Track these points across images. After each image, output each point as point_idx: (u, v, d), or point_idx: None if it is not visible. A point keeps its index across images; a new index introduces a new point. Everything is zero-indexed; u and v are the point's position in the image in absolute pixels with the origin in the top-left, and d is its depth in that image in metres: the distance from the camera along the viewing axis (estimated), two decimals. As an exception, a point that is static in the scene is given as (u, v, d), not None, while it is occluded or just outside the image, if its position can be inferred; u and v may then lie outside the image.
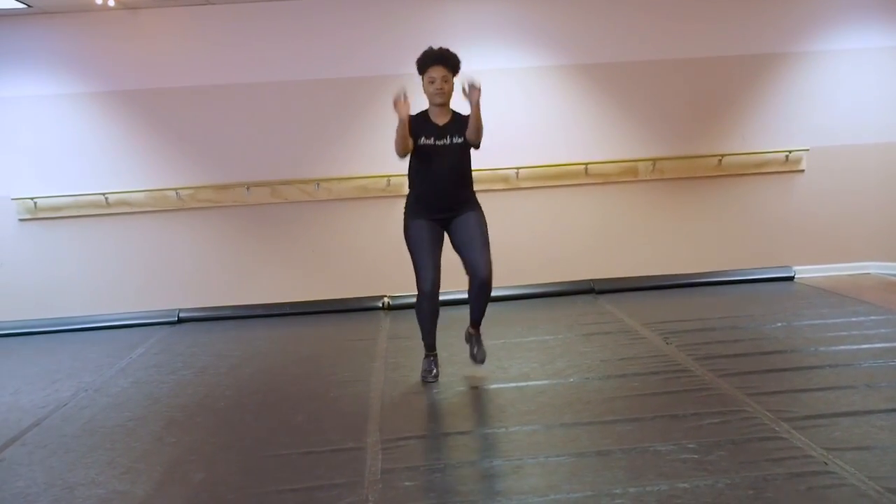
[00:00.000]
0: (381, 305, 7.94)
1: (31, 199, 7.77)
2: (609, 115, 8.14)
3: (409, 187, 5.38)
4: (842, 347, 5.59)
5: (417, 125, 5.13)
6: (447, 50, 5.12)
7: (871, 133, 8.26)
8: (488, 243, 5.23)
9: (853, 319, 6.34)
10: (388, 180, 8.02)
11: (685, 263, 8.25)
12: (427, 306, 5.31)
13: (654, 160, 8.19)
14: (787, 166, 8.26)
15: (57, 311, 7.82)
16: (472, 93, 4.93)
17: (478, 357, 5.47)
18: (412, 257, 5.28)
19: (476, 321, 5.51)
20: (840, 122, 8.23)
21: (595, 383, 5.09)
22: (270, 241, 8.08)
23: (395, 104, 4.98)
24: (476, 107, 4.94)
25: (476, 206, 5.31)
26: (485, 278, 5.19)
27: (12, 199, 7.78)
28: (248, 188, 7.94)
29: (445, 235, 5.32)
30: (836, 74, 8.20)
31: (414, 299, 5.41)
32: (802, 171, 8.29)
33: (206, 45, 7.83)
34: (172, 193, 7.90)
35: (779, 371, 5.11)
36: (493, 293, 7.72)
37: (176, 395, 5.38)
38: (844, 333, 5.94)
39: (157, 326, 7.65)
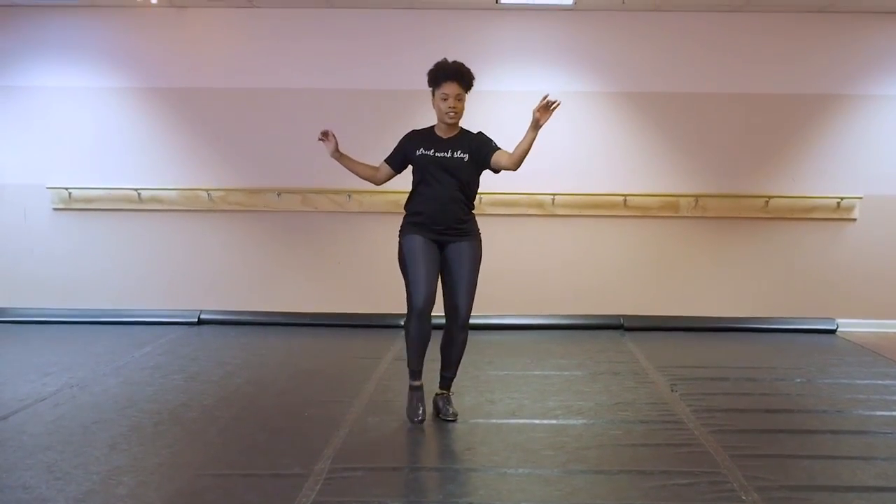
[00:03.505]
0: (401, 324, 7.76)
1: (66, 189, 7.87)
2: (652, 147, 7.86)
3: (405, 207, 5.00)
4: (855, 412, 5.25)
5: (418, 137, 4.90)
6: (462, 65, 4.76)
7: (932, 184, 7.82)
8: (475, 286, 4.90)
9: (880, 382, 5.96)
10: (421, 197, 7.86)
11: (722, 307, 7.92)
12: (417, 326, 4.87)
13: (697, 196, 7.88)
14: (839, 213, 7.86)
15: (81, 303, 7.89)
16: (544, 113, 4.52)
17: (448, 414, 4.96)
18: (404, 271, 4.86)
19: (447, 379, 5.09)
20: (898, 170, 7.82)
21: (577, 428, 4.86)
22: (297, 250, 8.02)
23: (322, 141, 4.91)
24: (536, 130, 4.56)
25: (475, 236, 4.95)
26: (462, 324, 4.90)
27: (47, 188, 7.88)
28: (279, 194, 7.90)
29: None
30: (896, 121, 7.78)
31: None
32: (854, 219, 7.87)
33: (247, 46, 7.83)
34: (204, 194, 7.90)
35: (775, 432, 4.80)
36: (516, 321, 7.76)
37: (154, 400, 5.31)
38: (863, 397, 5.57)
39: (176, 326, 7.64)
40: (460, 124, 4.89)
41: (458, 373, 5.14)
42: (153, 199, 7.92)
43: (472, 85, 4.83)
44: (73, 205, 7.92)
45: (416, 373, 5.03)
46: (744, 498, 3.83)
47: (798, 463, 4.31)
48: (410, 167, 4.97)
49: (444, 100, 4.74)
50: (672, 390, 5.69)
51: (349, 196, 7.90)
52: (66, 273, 7.95)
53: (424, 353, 5.00)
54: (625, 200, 7.90)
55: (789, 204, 7.86)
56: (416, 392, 5.01)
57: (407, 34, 7.79)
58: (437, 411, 5.04)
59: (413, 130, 4.99)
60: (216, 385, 5.72)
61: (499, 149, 4.82)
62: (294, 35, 7.80)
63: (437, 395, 5.11)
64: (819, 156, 7.84)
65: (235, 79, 7.84)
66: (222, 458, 4.30)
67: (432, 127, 4.93)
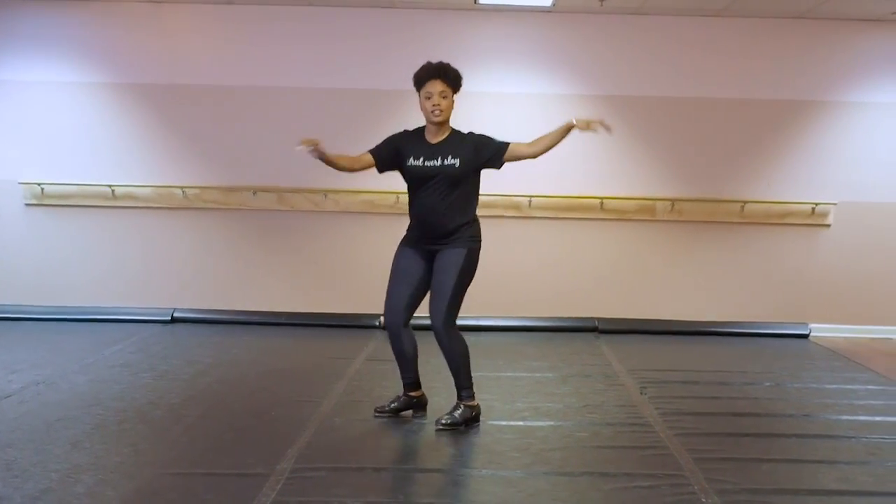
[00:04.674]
0: (377, 324, 7.78)
1: (39, 184, 7.82)
2: (629, 150, 7.88)
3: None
4: (821, 416, 5.27)
5: (409, 143, 4.77)
6: (447, 64, 4.69)
7: (905, 192, 7.85)
8: (450, 294, 4.69)
9: (848, 387, 5.98)
10: (398, 197, 7.85)
11: (697, 310, 7.94)
12: (390, 340, 4.88)
13: (673, 200, 7.90)
14: (813, 219, 7.89)
15: (54, 299, 7.84)
16: (585, 127, 4.62)
17: (438, 422, 4.80)
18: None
19: (457, 387, 4.89)
20: (872, 177, 7.86)
21: (544, 430, 4.85)
22: (273, 249, 7.99)
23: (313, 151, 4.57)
24: (567, 133, 4.65)
25: (465, 242, 4.75)
26: (437, 331, 4.74)
27: (20, 183, 7.83)
28: (254, 192, 7.88)
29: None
30: (872, 127, 7.83)
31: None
32: (829, 225, 7.91)
33: (224, 44, 7.81)
34: (178, 191, 7.88)
35: (740, 436, 4.81)
36: (491, 323, 7.75)
37: (121, 398, 5.27)
38: (831, 401, 5.60)
39: (149, 324, 7.60)
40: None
41: (470, 383, 4.90)
42: (127, 196, 7.88)
43: (458, 83, 4.75)
44: (45, 200, 7.88)
45: (405, 384, 5.03)
46: (704, 501, 3.82)
47: (761, 466, 4.31)
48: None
49: (428, 98, 4.67)
50: (642, 393, 5.69)
51: (325, 195, 7.88)
52: (39, 269, 7.91)
53: (408, 366, 4.95)
54: (601, 203, 7.91)
55: (764, 209, 7.89)
56: (400, 396, 5.06)
57: (386, 33, 7.78)
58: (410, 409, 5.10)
59: (405, 131, 4.86)
60: (185, 383, 5.69)
61: (507, 144, 4.73)
62: (272, 33, 7.79)
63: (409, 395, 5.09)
64: (794, 161, 7.88)
65: (212, 76, 7.81)
66: (185, 457, 4.28)
67: (422, 129, 4.83)
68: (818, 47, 7.76)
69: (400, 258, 4.88)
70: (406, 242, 4.90)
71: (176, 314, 7.78)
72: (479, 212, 7.68)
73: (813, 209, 7.85)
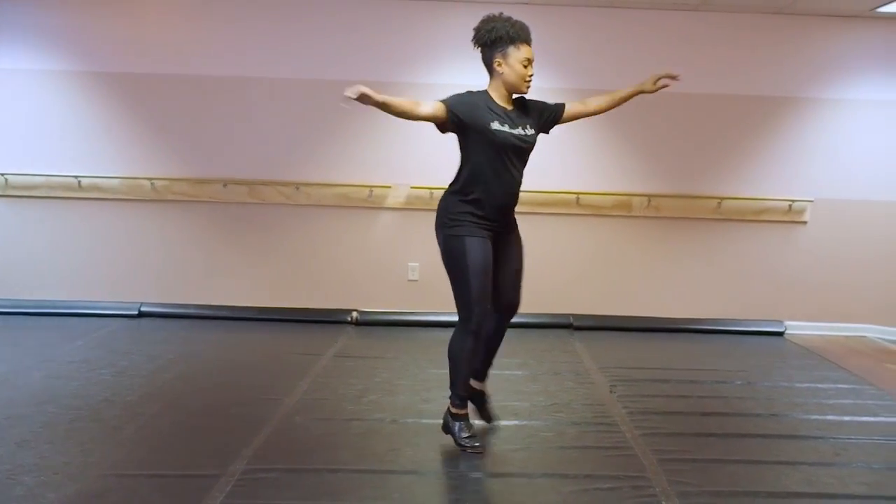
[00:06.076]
0: (348, 319, 7.67)
1: (3, 175, 7.68)
2: (606, 145, 7.79)
3: (458, 190, 4.23)
4: (790, 416, 5.20)
5: (475, 106, 4.11)
6: None
7: (882, 190, 7.76)
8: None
9: (819, 386, 5.91)
10: (371, 191, 7.78)
11: (673, 307, 7.86)
12: (472, 346, 4.26)
13: (650, 196, 7.80)
14: (790, 216, 7.81)
15: (16, 293, 7.69)
16: (652, 86, 4.50)
17: (492, 414, 4.66)
18: (462, 281, 4.18)
19: (484, 373, 4.61)
20: (849, 175, 7.76)
21: (508, 429, 4.75)
22: (244, 242, 7.87)
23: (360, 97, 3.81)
24: (638, 93, 4.51)
25: (516, 226, 4.44)
26: (513, 314, 4.48)
27: (-17, 174, 7.69)
28: (224, 185, 7.75)
29: None
30: (850, 125, 7.73)
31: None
32: (805, 222, 7.82)
33: (195, 32, 7.66)
34: (147, 183, 7.74)
35: (707, 436, 4.73)
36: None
37: (76, 395, 5.14)
38: (800, 401, 5.53)
39: (115, 319, 7.47)
40: None
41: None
42: (94, 188, 7.74)
43: None
44: (9, 191, 7.72)
45: (465, 399, 4.43)
46: (664, 503, 3.74)
47: (724, 467, 4.24)
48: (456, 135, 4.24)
49: (525, 65, 4.12)
50: (611, 392, 5.61)
51: (297, 188, 7.77)
52: (2, 262, 7.75)
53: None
54: (577, 199, 7.81)
55: (741, 206, 7.81)
56: (466, 421, 4.41)
57: (356, 23, 7.64)
58: (484, 412, 4.69)
59: (469, 92, 4.21)
60: (144, 380, 5.56)
61: (562, 106, 4.42)
62: (243, 22, 7.64)
63: (476, 390, 4.63)
64: (771, 158, 7.79)
65: (181, 65, 7.67)
66: (134, 458, 4.16)
67: (486, 93, 4.22)
68: (796, 43, 7.67)
69: (478, 250, 4.17)
70: (474, 229, 4.19)
71: (143, 308, 7.65)
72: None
73: (790, 206, 7.78)
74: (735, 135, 7.77)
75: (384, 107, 3.94)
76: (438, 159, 7.59)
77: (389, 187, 7.79)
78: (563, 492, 3.87)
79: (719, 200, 7.79)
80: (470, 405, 4.50)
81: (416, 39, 7.63)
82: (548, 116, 4.37)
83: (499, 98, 4.20)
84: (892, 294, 7.83)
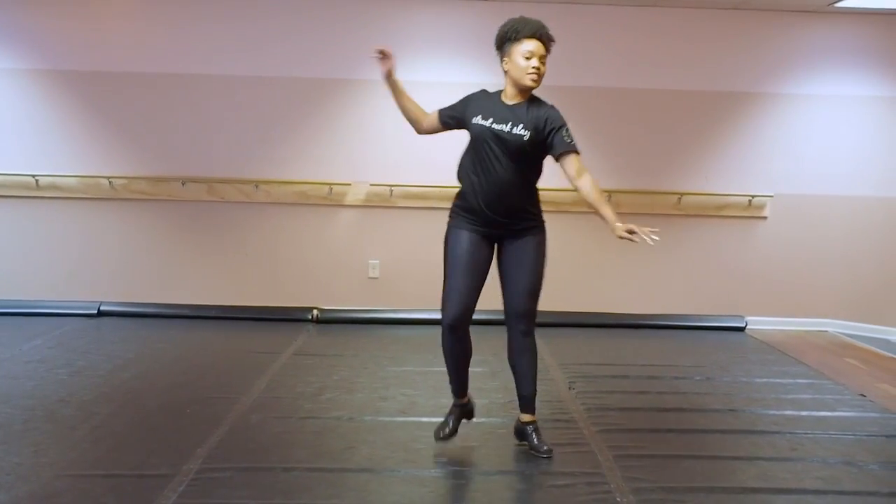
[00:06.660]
0: (309, 318, 7.63)
1: (-42, 175, 7.57)
2: (566, 141, 7.77)
3: (459, 182, 4.29)
4: (748, 411, 5.23)
5: (482, 101, 4.17)
6: (545, 25, 4.11)
7: (841, 184, 7.83)
8: (538, 289, 4.35)
9: (778, 381, 5.96)
10: (331, 188, 7.74)
11: (634, 303, 7.88)
12: (449, 342, 4.25)
13: (610, 192, 7.79)
14: (750, 211, 7.86)
15: (-27, 293, 7.60)
16: (623, 234, 4.18)
17: (542, 451, 4.28)
18: (445, 274, 4.20)
19: (526, 399, 4.39)
20: (808, 169, 7.83)
21: (465, 427, 4.68)
22: (203, 240, 7.81)
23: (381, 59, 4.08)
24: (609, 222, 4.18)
25: (541, 231, 4.31)
26: (524, 331, 4.37)
27: (-63, 174, 7.57)
28: (183, 183, 7.68)
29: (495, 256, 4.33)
30: (808, 120, 7.80)
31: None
32: (765, 217, 7.88)
33: (152, 30, 7.59)
34: (105, 181, 7.65)
35: (664, 432, 4.75)
36: (425, 316, 7.59)
37: (31, 395, 5.08)
38: (759, 396, 5.56)
39: (74, 318, 7.38)
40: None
41: (535, 390, 4.47)
42: (51, 187, 7.65)
43: (550, 50, 4.16)
44: (-34, 191, 7.63)
45: (454, 391, 4.47)
46: (619, 500, 3.76)
47: (680, 463, 4.26)
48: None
49: (528, 58, 4.02)
50: (570, 388, 5.62)
51: (257, 186, 7.72)
52: (-43, 261, 7.66)
53: (462, 371, 4.41)
54: (538, 195, 7.79)
55: (701, 201, 7.85)
56: (452, 408, 4.49)
57: (318, 19, 7.61)
58: (525, 441, 4.42)
59: (483, 90, 4.27)
60: (101, 380, 5.50)
61: (572, 145, 4.09)
62: (200, 19, 7.58)
63: (521, 422, 4.45)
64: (731, 154, 7.84)
65: (140, 63, 7.59)
66: (88, 458, 4.12)
67: (499, 92, 4.22)
68: (755, 38, 7.72)
69: (460, 244, 4.17)
70: (461, 221, 4.21)
71: (103, 307, 7.57)
72: (413, 203, 7.74)
73: (749, 201, 7.83)
74: (695, 130, 7.81)
75: (396, 94, 4.29)
76: (398, 157, 7.67)
77: (349, 185, 7.76)
78: (518, 489, 3.89)
79: (679, 196, 7.83)
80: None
81: (381, 38, 7.57)
82: (546, 132, 4.08)
83: (507, 95, 4.18)
84: (852, 288, 7.91)
